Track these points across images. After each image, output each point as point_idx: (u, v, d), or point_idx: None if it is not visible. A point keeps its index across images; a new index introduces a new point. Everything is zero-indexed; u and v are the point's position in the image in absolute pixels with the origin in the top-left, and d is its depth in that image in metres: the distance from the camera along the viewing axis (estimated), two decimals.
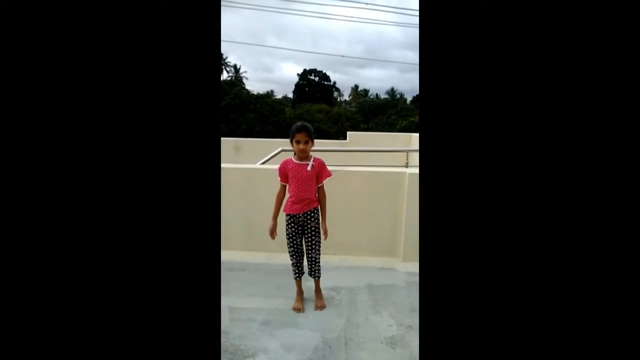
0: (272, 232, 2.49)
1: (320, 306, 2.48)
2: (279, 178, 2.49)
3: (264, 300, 2.57)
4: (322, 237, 2.49)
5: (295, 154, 2.44)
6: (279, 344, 2.09)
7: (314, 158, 2.45)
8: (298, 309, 2.45)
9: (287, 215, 2.47)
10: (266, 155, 4.40)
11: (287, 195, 2.49)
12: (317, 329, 2.24)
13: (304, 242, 2.51)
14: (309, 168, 2.39)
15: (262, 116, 23.58)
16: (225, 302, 2.49)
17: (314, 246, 2.48)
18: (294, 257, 2.52)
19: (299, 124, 2.43)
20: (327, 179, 2.47)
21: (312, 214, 2.45)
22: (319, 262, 2.51)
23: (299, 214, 2.43)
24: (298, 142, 2.38)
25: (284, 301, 2.54)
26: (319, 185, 2.46)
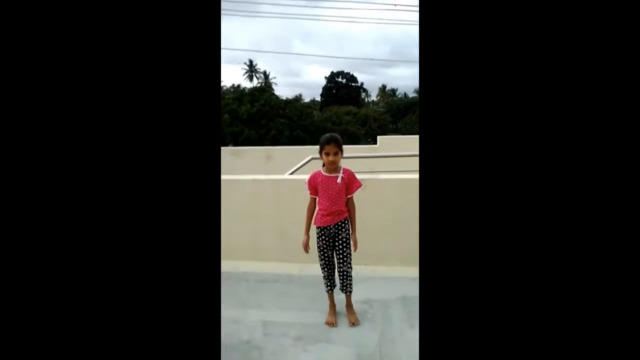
0: (306, 246, 2.48)
1: (353, 322, 2.43)
2: (309, 191, 2.47)
3: (297, 313, 2.56)
4: (353, 249, 2.46)
5: (323, 165, 2.43)
6: (313, 359, 2.07)
7: (343, 169, 2.42)
8: (331, 324, 2.42)
9: (317, 227, 2.45)
10: (296, 164, 4.42)
11: (317, 207, 2.47)
12: (351, 344, 2.21)
13: (335, 255, 2.48)
14: (338, 180, 2.37)
15: (290, 121, 23.78)
16: (259, 315, 2.51)
17: (345, 258, 2.44)
18: (326, 269, 2.50)
19: (327, 135, 2.41)
20: (358, 189, 2.43)
21: (343, 225, 2.43)
22: (350, 276, 2.47)
23: (329, 226, 2.41)
24: (327, 154, 2.35)
25: (318, 315, 2.52)
26: (348, 197, 2.43)
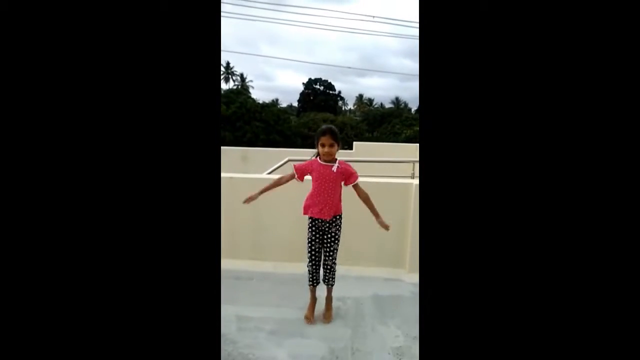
0: (250, 198, 2.47)
1: (327, 318, 2.46)
2: (295, 172, 2.43)
3: (271, 309, 2.58)
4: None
5: (318, 155, 2.40)
6: (287, 353, 2.11)
7: (338, 161, 2.41)
8: (308, 319, 2.43)
9: (309, 219, 2.43)
10: (272, 165, 4.45)
11: (308, 197, 2.43)
12: (324, 339, 2.25)
13: (322, 250, 2.48)
14: (334, 169, 2.35)
15: (267, 125, 23.73)
16: (233, 310, 2.52)
17: (332, 254, 2.46)
18: (311, 264, 2.48)
19: (324, 127, 2.38)
20: (357, 180, 2.42)
21: (335, 221, 2.43)
22: (334, 270, 2.50)
23: (322, 220, 2.39)
24: (323, 146, 2.32)
25: (292, 311, 2.55)
26: (353, 185, 2.41)
